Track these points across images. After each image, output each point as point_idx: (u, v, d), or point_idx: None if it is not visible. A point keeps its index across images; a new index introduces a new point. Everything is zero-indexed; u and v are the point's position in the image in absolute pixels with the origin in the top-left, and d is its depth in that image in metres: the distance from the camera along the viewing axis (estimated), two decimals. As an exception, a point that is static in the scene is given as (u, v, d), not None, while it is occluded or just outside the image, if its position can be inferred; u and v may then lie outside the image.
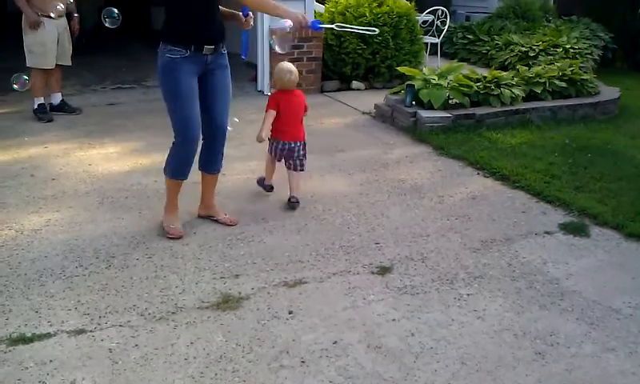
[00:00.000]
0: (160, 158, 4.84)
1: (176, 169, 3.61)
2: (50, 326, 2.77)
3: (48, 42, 5.87)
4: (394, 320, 2.88)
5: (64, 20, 6.03)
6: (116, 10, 4.18)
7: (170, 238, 3.59)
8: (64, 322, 2.79)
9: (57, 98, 6.30)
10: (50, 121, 6.01)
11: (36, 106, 6.06)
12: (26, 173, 4.63)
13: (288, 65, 4.13)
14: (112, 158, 5.02)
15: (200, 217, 3.88)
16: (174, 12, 3.42)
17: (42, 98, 6.10)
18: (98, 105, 6.76)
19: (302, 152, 4.16)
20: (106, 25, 4.21)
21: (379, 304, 3.01)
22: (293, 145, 4.11)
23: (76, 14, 6.16)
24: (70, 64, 6.24)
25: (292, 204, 4.14)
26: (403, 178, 4.73)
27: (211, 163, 3.77)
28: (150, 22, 12.25)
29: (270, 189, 4.34)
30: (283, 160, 4.21)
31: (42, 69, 5.96)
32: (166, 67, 3.40)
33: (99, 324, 2.79)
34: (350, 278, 3.25)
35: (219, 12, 3.54)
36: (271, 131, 4.13)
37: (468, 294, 3.12)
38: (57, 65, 6.06)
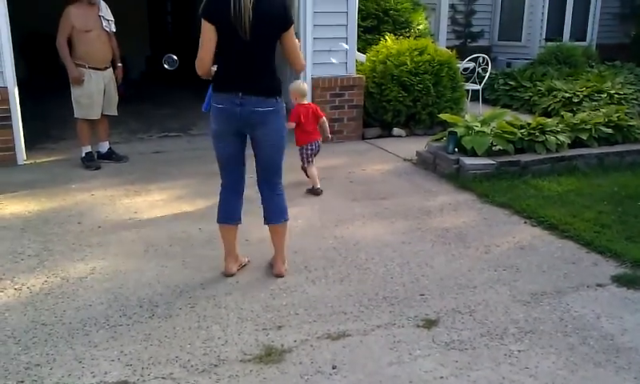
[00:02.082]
0: (204, 204, 4.93)
1: None
2: (93, 376, 2.76)
3: (95, 93, 6.03)
4: (441, 378, 2.78)
5: (110, 71, 6.19)
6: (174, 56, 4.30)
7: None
8: (107, 373, 2.78)
9: (104, 147, 6.45)
10: (98, 168, 6.15)
11: (83, 155, 6.23)
12: (72, 220, 4.71)
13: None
14: (157, 205, 5.09)
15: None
16: (274, 66, 3.55)
17: (90, 146, 6.25)
18: (144, 153, 6.88)
19: (320, 147, 5.50)
20: (165, 66, 4.33)
21: (426, 360, 2.91)
22: (318, 143, 5.42)
23: (120, 64, 6.34)
24: (116, 114, 6.39)
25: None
26: (447, 227, 4.64)
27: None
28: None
29: (321, 191, 5.35)
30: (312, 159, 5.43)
31: (88, 119, 6.13)
32: (285, 118, 3.69)
33: (142, 376, 2.77)
34: (395, 331, 3.16)
35: None
36: (299, 140, 5.35)
37: (519, 351, 2.99)
38: (103, 114, 6.22)
